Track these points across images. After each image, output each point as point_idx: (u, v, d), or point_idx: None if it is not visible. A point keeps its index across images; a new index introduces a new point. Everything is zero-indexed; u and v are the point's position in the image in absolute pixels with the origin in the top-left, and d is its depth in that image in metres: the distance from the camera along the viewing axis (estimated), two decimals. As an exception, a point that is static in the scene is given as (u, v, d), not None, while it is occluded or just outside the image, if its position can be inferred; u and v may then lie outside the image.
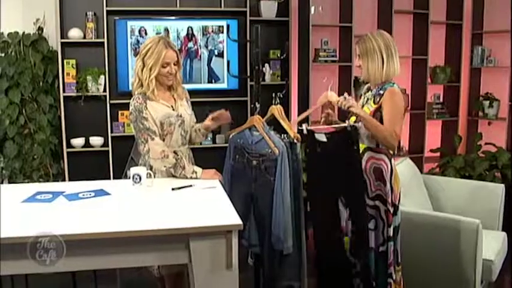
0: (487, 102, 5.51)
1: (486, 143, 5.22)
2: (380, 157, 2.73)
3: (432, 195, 3.75)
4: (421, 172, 5.02)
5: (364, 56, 2.72)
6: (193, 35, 4.85)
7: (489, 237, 3.29)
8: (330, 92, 2.85)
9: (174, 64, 2.80)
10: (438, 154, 5.62)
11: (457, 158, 5.18)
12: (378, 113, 2.69)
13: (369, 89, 2.86)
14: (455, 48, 5.53)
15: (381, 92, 2.70)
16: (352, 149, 2.74)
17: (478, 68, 5.65)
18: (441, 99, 5.67)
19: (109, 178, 4.61)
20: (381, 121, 2.68)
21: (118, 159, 4.66)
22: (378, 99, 2.70)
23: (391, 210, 2.70)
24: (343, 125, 2.75)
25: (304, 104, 5.02)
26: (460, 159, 5.16)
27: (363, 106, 2.79)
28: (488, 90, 5.60)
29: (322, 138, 2.80)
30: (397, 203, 2.75)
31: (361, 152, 2.74)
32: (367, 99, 2.79)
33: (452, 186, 3.80)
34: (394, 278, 2.75)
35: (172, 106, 2.86)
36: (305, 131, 2.83)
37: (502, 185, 3.63)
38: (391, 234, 2.71)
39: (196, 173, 2.82)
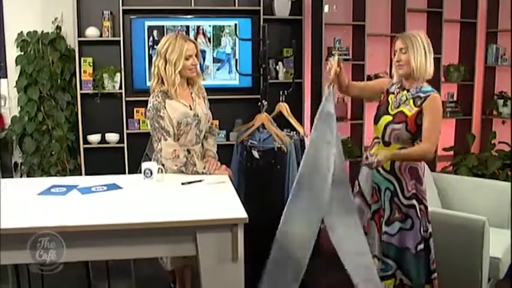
0: (501, 101, 5.48)
1: (500, 142, 5.21)
2: None
3: (442, 193, 3.76)
4: (434, 170, 5.04)
5: (410, 49, 2.65)
6: (206, 33, 4.91)
7: (498, 235, 3.29)
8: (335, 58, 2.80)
9: (195, 55, 2.87)
10: (451, 153, 5.61)
11: (470, 157, 5.17)
12: (419, 116, 2.63)
13: (402, 88, 2.75)
14: (470, 47, 5.50)
15: (421, 94, 2.65)
16: (276, 169, 2.95)
17: (493, 67, 5.61)
18: (455, 98, 5.65)
19: (124, 174, 4.70)
20: (421, 124, 2.63)
21: (133, 156, 4.74)
22: (419, 102, 2.64)
23: (428, 207, 2.72)
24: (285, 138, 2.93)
25: (317, 102, 5.04)
26: (473, 158, 5.15)
27: (398, 106, 2.71)
28: (502, 89, 5.56)
29: (256, 155, 3.00)
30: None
31: (394, 151, 2.70)
32: (406, 98, 2.69)
33: (462, 184, 3.80)
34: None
35: (190, 105, 2.92)
36: (256, 155, 3.01)
37: (512, 184, 3.62)
38: (431, 230, 2.73)
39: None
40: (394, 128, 2.68)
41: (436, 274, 2.76)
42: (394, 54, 2.74)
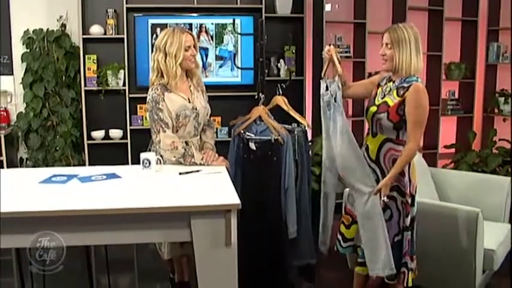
0: (502, 99, 5.51)
1: (500, 139, 5.23)
2: (400, 148, 2.67)
3: (439, 188, 3.78)
4: (435, 167, 5.06)
5: (395, 45, 2.61)
6: (209, 30, 4.98)
7: (494, 228, 3.33)
8: (330, 46, 2.85)
9: (194, 46, 2.93)
10: (453, 150, 5.63)
11: (470, 154, 5.19)
12: (401, 107, 2.61)
13: (390, 80, 2.75)
14: (471, 45, 5.54)
15: (405, 84, 2.63)
16: (272, 161, 2.98)
17: (494, 65, 5.64)
18: (456, 96, 5.69)
19: (127, 169, 4.77)
20: (403, 115, 2.62)
21: (136, 151, 4.73)
22: (402, 92, 2.62)
23: (409, 201, 2.70)
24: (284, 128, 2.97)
25: (318, 99, 5.07)
26: (473, 155, 5.17)
27: (384, 96, 2.71)
28: (503, 86, 5.60)
29: (253, 147, 3.03)
30: (414, 193, 2.75)
31: (379, 143, 2.71)
32: (390, 89, 2.70)
33: (460, 179, 3.82)
34: (409, 266, 2.75)
35: (188, 98, 2.97)
36: (253, 147, 3.05)
37: (509, 178, 3.64)
38: (408, 224, 2.71)
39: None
40: (378, 118, 2.69)
41: (405, 269, 2.75)
42: (382, 46, 2.72)
